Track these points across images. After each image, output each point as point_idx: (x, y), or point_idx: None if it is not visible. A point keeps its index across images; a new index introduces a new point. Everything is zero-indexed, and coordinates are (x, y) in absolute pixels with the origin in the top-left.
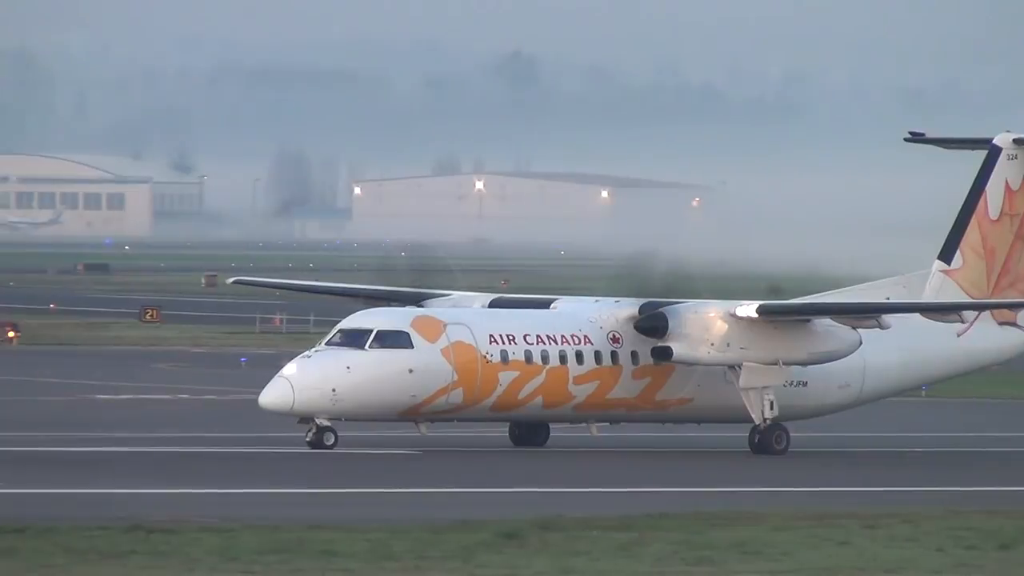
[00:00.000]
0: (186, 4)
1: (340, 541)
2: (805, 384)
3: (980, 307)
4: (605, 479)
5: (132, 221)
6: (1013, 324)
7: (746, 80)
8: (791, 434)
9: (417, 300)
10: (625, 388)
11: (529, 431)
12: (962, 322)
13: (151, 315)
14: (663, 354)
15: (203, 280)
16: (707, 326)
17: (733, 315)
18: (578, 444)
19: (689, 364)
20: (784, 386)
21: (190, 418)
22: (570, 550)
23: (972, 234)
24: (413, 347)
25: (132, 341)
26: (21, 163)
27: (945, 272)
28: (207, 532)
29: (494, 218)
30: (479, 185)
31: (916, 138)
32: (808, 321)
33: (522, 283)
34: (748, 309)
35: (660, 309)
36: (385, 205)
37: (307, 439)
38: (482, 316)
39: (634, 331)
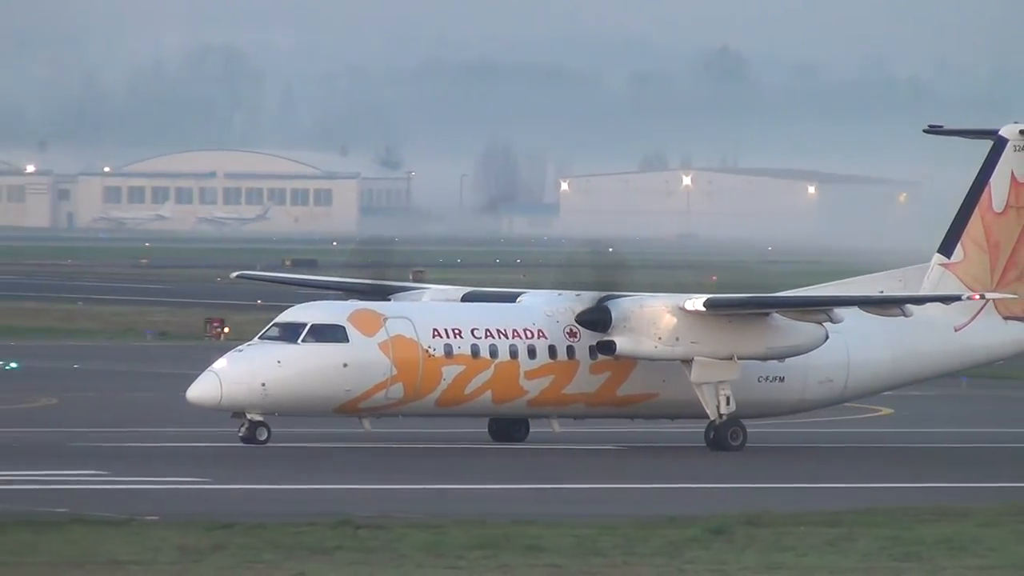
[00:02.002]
0: (395, 0)
1: (547, 536)
2: (782, 379)
3: (917, 300)
4: (808, 475)
5: (339, 217)
6: (1020, 319)
7: (953, 75)
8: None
9: (386, 293)
10: (582, 383)
11: (507, 426)
12: (905, 316)
13: None
14: (607, 348)
15: (410, 275)
16: (654, 320)
17: (682, 309)
18: (782, 441)
19: (635, 359)
20: (759, 381)
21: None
22: (777, 545)
23: (974, 227)
24: (348, 341)
25: None
26: (229, 159)
27: (945, 266)
28: (414, 528)
29: (701, 214)
30: (686, 181)
31: (934, 130)
32: (767, 315)
33: (730, 279)
34: (696, 303)
35: (604, 302)
36: (592, 201)
37: (239, 434)
38: (427, 310)
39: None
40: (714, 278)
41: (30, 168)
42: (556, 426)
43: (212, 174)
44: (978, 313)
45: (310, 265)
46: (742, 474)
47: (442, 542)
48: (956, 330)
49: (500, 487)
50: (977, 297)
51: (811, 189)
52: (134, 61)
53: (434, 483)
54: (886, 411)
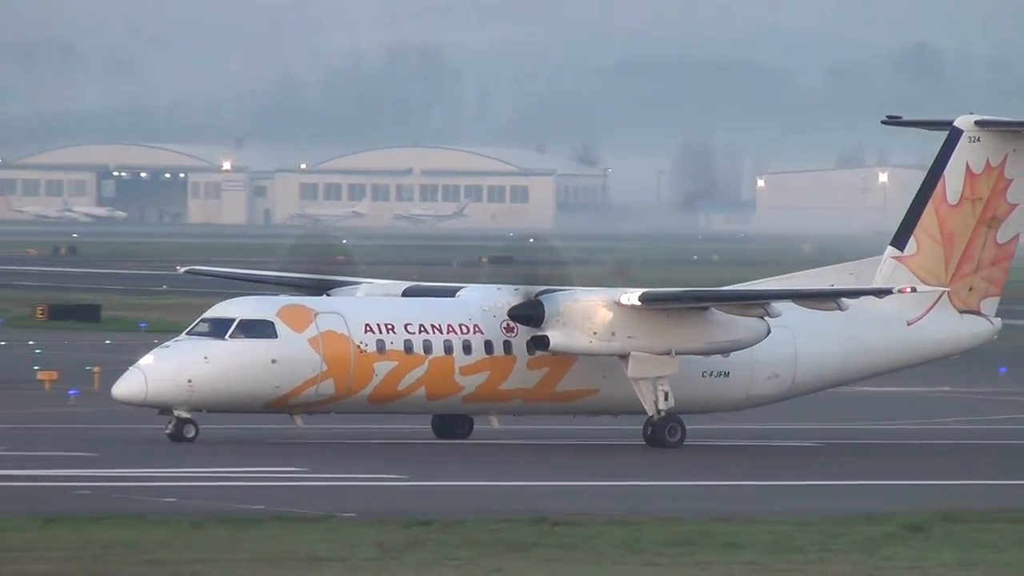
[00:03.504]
0: None
1: (744, 533)
2: (727, 375)
3: (847, 294)
4: (1002, 472)
5: (535, 213)
6: (976, 312)
7: None
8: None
9: (324, 288)
10: (519, 379)
11: (450, 423)
12: (841, 310)
13: None
14: (540, 343)
15: (610, 271)
16: (589, 314)
17: (617, 303)
18: (974, 438)
19: (569, 354)
20: (703, 377)
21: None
22: (975, 542)
23: (928, 219)
24: (277, 337)
25: None
26: (425, 156)
27: (897, 259)
28: (612, 525)
29: (898, 211)
30: (883, 178)
31: (892, 120)
32: (706, 309)
33: None
34: (631, 296)
35: (537, 296)
36: (788, 198)
37: (167, 431)
38: (359, 305)
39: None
40: None
41: (227, 165)
42: (495, 423)
43: (409, 171)
44: (932, 307)
45: (506, 262)
46: (936, 471)
47: (639, 539)
48: (909, 324)
49: (695, 484)
50: (908, 290)
51: None
52: (332, 58)
53: (631, 480)
54: None
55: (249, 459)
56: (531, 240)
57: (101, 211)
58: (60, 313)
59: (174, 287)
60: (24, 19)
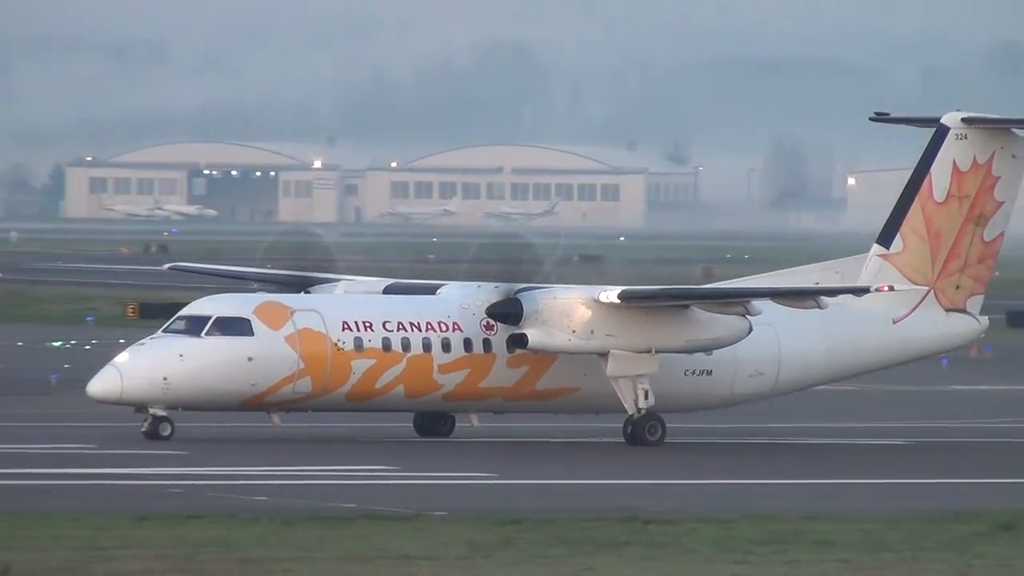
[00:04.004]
0: None
1: (836, 531)
2: (710, 373)
3: (825, 292)
4: None
5: (626, 212)
6: (962, 311)
7: None
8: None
9: (305, 285)
10: (499, 377)
11: (432, 421)
12: (820, 308)
13: None
14: (519, 341)
15: (699, 272)
16: (567, 312)
17: (596, 301)
18: None
19: (547, 352)
20: (686, 375)
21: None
22: None
23: (915, 217)
24: (254, 334)
25: None
26: (516, 154)
27: (883, 257)
28: (703, 523)
29: None
30: None
31: (881, 118)
32: (686, 307)
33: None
34: (610, 294)
35: (515, 294)
36: (879, 196)
37: (142, 429)
38: (337, 303)
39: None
40: (996, 273)
41: (318, 163)
42: (475, 421)
43: (499, 169)
44: (918, 305)
45: (595, 261)
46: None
47: (730, 537)
48: (895, 322)
49: (786, 482)
50: (886, 289)
51: None
52: (423, 56)
53: (722, 478)
54: None
55: (340, 457)
56: (621, 239)
57: (192, 209)
58: (151, 311)
59: (265, 287)
60: (116, 18)
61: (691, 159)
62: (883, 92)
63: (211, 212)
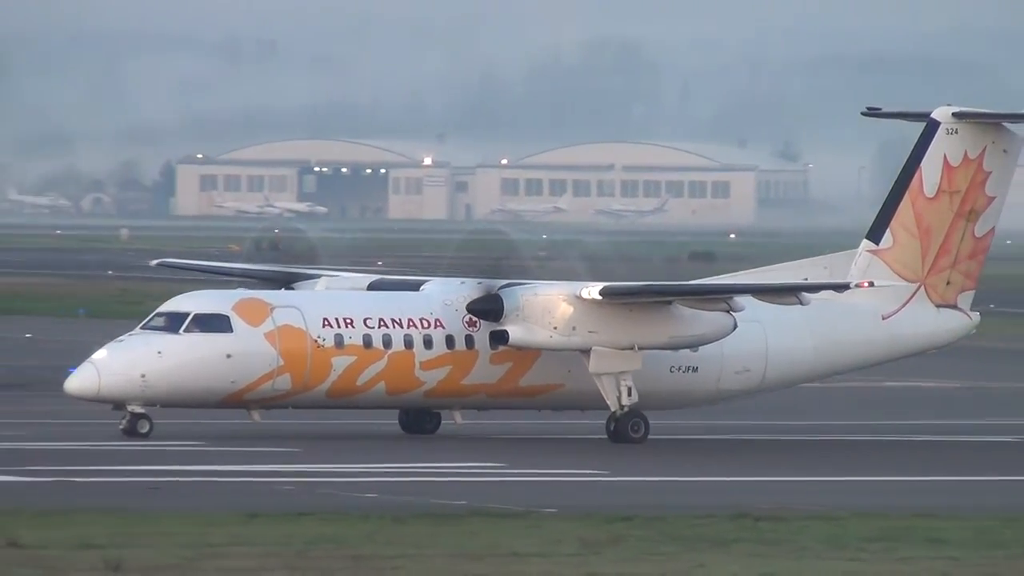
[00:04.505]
0: None
1: (948, 529)
2: (695, 369)
3: (805, 288)
4: None
5: (736, 209)
6: (953, 307)
7: None
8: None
9: (289, 281)
10: (482, 374)
11: (417, 418)
12: (801, 304)
13: None
14: (500, 338)
15: None
16: (549, 309)
17: (578, 297)
18: None
19: (529, 349)
20: (671, 371)
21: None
22: None
23: (904, 212)
24: (232, 331)
25: None
26: (626, 151)
27: (873, 252)
28: (814, 519)
29: None
30: None
31: (872, 112)
32: (669, 303)
33: None
34: (592, 291)
35: (496, 291)
36: None
37: (120, 427)
38: (317, 299)
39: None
40: None
41: (428, 160)
42: (458, 418)
43: (610, 166)
44: (908, 301)
45: (707, 258)
46: None
47: (842, 534)
48: (884, 319)
49: (898, 479)
50: (866, 285)
51: None
52: (533, 53)
53: (832, 475)
54: None
55: (449, 454)
56: (732, 236)
57: (302, 206)
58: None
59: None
60: (227, 15)
61: (801, 156)
62: (986, 88)
63: (321, 209)
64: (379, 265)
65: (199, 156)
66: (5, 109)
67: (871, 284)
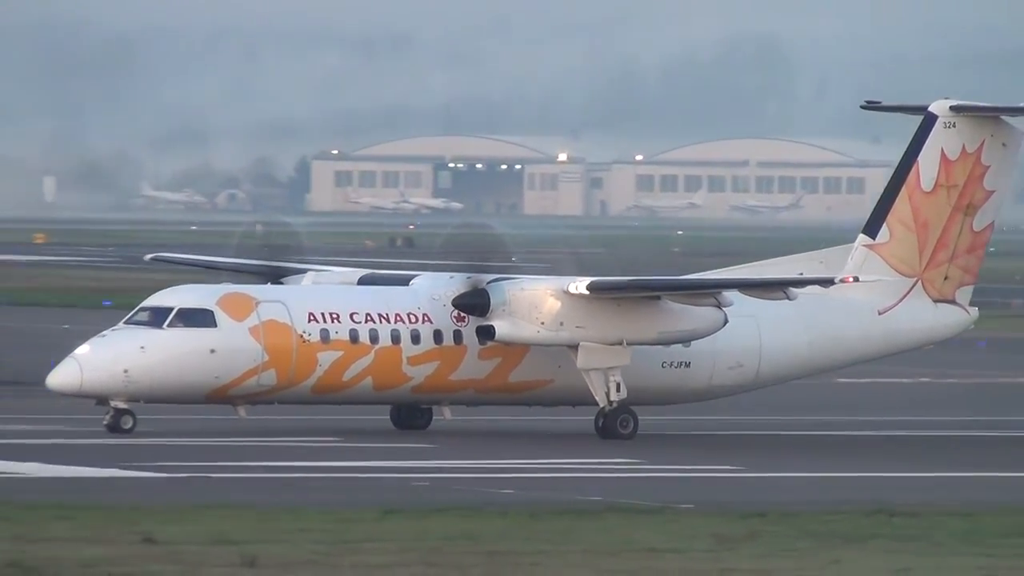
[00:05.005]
0: None
1: None
2: (688, 365)
3: (791, 283)
4: None
5: (872, 205)
6: (951, 302)
7: None
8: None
9: (279, 275)
10: (470, 369)
11: (409, 414)
12: (789, 299)
13: None
14: (486, 333)
15: None
16: (536, 303)
17: (566, 292)
18: None
19: (515, 344)
20: (663, 367)
21: (934, 402)
22: None
23: (902, 207)
24: (216, 326)
25: None
26: (762, 147)
27: (869, 247)
28: (950, 516)
29: None
30: None
31: (872, 105)
32: (658, 298)
33: None
34: (579, 285)
35: (482, 285)
36: None
37: (104, 422)
38: (303, 293)
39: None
40: None
41: (563, 156)
42: (447, 413)
43: (745, 162)
44: (905, 296)
45: None
46: None
47: (978, 530)
48: (880, 313)
49: None
50: (850, 280)
51: None
52: (668, 49)
53: (968, 471)
54: None
55: (584, 450)
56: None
57: (437, 202)
58: None
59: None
60: (363, 11)
61: None
62: None
63: (456, 205)
64: (513, 261)
65: (334, 152)
66: (141, 105)
67: (855, 279)
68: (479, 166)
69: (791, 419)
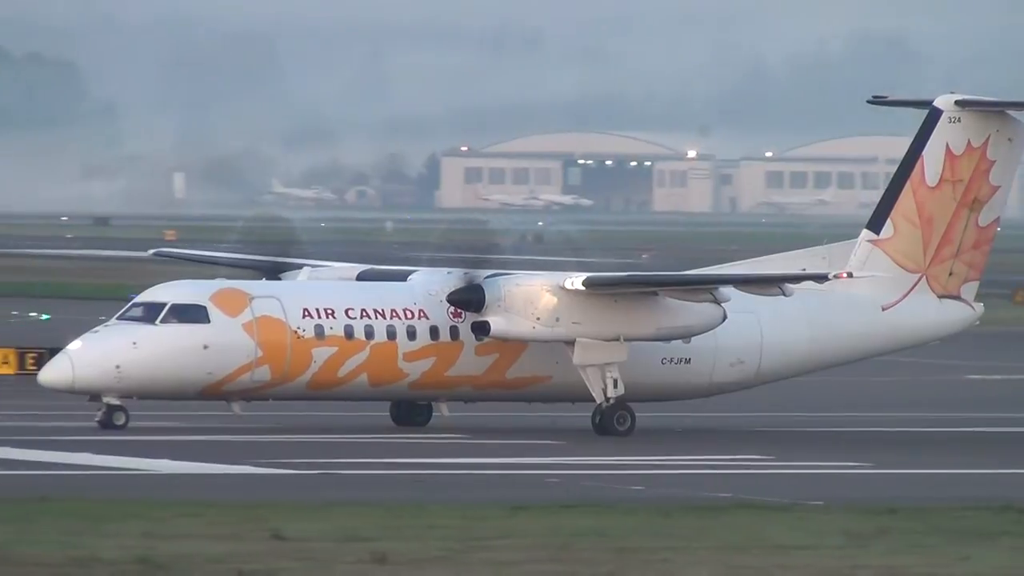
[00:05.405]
0: None
1: None
2: (688, 361)
3: (786, 279)
4: None
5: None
6: (956, 297)
7: None
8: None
9: (278, 271)
10: (467, 365)
11: (407, 410)
12: (785, 295)
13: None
14: (481, 329)
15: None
16: (532, 299)
17: (562, 288)
18: None
19: (511, 340)
20: (663, 363)
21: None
22: None
23: (906, 202)
24: (209, 322)
25: (1002, 322)
26: (890, 144)
27: (873, 242)
28: None
29: None
30: None
31: (878, 100)
32: (655, 294)
33: None
34: (575, 281)
35: (477, 281)
36: None
37: (96, 419)
38: (298, 289)
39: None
40: None
41: (692, 153)
42: (445, 410)
43: (874, 159)
44: (909, 292)
45: None
46: None
47: None
48: (884, 309)
49: None
50: (844, 276)
51: None
52: (798, 45)
53: None
54: None
55: (713, 447)
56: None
57: (567, 199)
58: None
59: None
60: (493, 6)
61: None
62: None
63: (586, 202)
64: (643, 258)
65: (464, 148)
66: (271, 102)
67: (849, 275)
68: (608, 163)
69: (919, 416)
